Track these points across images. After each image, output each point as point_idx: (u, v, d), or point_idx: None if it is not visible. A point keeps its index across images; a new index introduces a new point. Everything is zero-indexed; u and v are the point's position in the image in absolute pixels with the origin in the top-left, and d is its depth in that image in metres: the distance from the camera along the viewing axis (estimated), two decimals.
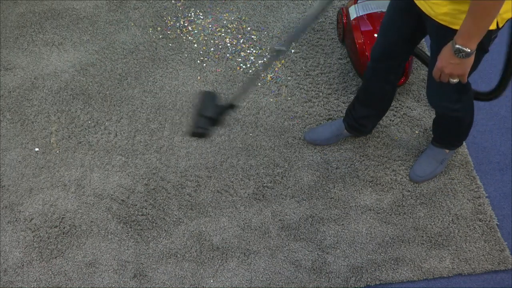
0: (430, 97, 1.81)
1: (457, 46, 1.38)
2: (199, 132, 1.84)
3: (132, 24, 2.64)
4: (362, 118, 2.10)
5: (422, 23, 1.64)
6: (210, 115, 1.82)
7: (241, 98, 2.13)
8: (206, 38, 2.58)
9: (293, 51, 2.51)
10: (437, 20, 1.49)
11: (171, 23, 2.64)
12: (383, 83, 1.96)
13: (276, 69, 2.46)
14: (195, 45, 2.56)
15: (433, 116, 2.29)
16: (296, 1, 2.68)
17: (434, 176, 2.13)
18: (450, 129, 2.02)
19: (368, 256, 1.98)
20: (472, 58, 1.42)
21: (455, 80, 1.48)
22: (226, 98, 2.26)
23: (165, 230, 2.06)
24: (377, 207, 2.09)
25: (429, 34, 1.65)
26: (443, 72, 1.47)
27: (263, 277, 1.96)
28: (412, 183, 2.13)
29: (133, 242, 2.04)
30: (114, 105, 2.38)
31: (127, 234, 2.05)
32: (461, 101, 1.79)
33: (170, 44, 2.56)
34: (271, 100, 2.37)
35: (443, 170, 2.14)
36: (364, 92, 2.05)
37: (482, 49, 1.49)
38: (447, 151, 2.11)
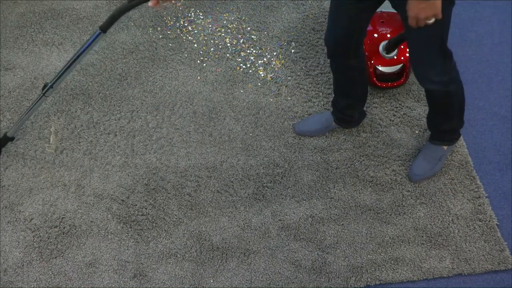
0: (417, 73, 1.83)
1: None
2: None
3: (132, 24, 2.64)
4: (345, 108, 2.14)
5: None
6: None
7: (19, 129, 2.24)
8: (206, 38, 2.58)
9: (293, 51, 2.51)
10: None
11: (171, 23, 2.64)
12: (346, 70, 2.00)
13: (276, 69, 2.46)
14: (195, 45, 2.56)
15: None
16: (296, 1, 2.68)
17: (434, 175, 2.13)
18: (445, 113, 2.01)
19: (368, 256, 1.98)
20: None
21: (432, 21, 1.52)
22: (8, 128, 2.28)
23: (165, 230, 2.06)
24: (377, 207, 2.09)
25: (390, 2, 1.72)
26: (418, 19, 1.52)
27: (263, 277, 1.96)
28: (412, 183, 2.13)
29: (133, 242, 2.04)
30: (114, 105, 2.38)
31: (127, 234, 2.05)
32: (448, 71, 1.81)
33: (170, 44, 2.56)
34: (271, 100, 2.37)
35: (441, 167, 2.14)
36: (335, 83, 2.11)
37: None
38: (445, 147, 2.11)
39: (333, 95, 2.18)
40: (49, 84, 2.03)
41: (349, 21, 1.80)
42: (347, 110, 2.15)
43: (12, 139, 2.20)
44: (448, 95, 1.91)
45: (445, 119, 2.04)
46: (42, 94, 2.05)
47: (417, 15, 1.50)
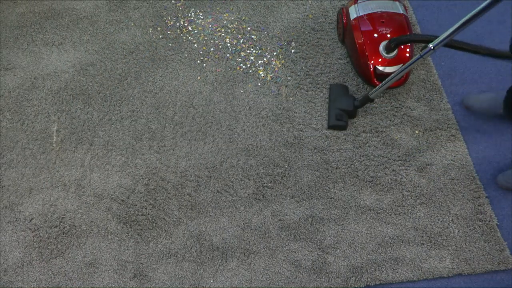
0: None
1: None
2: (339, 125, 1.95)
3: (132, 24, 2.64)
4: None
5: None
6: (348, 108, 1.92)
7: (379, 94, 2.20)
8: (206, 38, 2.58)
9: (293, 51, 2.51)
10: None
11: (171, 23, 2.64)
12: None
13: (276, 69, 2.46)
14: (195, 45, 2.56)
15: (434, 116, 2.29)
16: (296, 1, 2.68)
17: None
18: None
19: (368, 256, 1.98)
20: None
21: None
22: (357, 91, 2.32)
23: (165, 230, 2.06)
24: (377, 207, 2.09)
25: None
26: None
27: (263, 277, 1.96)
28: (412, 183, 2.13)
29: (133, 242, 2.04)
30: (114, 105, 2.38)
31: (127, 234, 2.05)
32: None
33: (170, 44, 2.56)
34: (271, 100, 2.37)
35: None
36: None
37: None
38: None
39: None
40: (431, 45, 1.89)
41: None
42: None
43: (372, 100, 2.16)
44: None
45: None
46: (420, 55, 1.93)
47: None
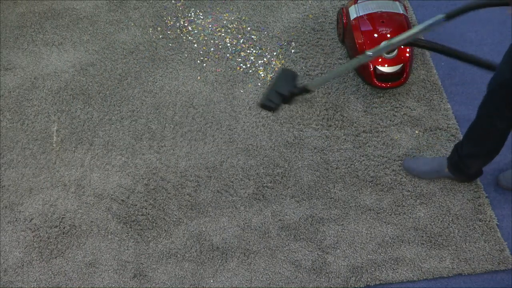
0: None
1: None
2: (267, 106, 1.91)
3: (132, 24, 2.64)
4: (467, 157, 1.96)
5: None
6: (283, 92, 1.89)
7: (319, 85, 2.23)
8: (206, 38, 2.58)
9: (293, 51, 2.51)
10: None
11: (171, 23, 2.64)
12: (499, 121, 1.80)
13: (276, 69, 2.46)
14: (195, 45, 2.56)
15: (434, 116, 2.29)
16: (296, 1, 2.68)
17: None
18: None
19: (368, 256, 1.98)
20: None
21: None
22: (304, 80, 2.32)
23: (165, 230, 2.06)
24: (377, 207, 2.08)
25: None
26: None
27: (263, 277, 1.96)
28: (412, 183, 2.13)
29: (133, 242, 2.04)
30: (114, 105, 2.38)
31: (127, 234, 2.05)
32: None
33: (170, 44, 2.56)
34: None
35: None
36: (474, 128, 1.90)
37: None
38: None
39: (461, 138, 2.00)
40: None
41: None
42: (468, 160, 1.97)
43: (308, 91, 2.07)
44: None
45: None
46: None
47: None
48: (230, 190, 2.14)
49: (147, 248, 2.02)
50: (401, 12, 2.34)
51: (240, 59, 2.50)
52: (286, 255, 1.99)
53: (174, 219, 2.08)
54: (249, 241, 2.03)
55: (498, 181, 2.10)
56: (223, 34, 2.59)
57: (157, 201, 2.12)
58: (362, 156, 2.21)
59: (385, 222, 2.05)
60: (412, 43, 2.14)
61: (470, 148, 1.93)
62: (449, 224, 2.03)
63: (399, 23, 2.30)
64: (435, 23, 1.71)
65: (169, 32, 2.60)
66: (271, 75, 2.44)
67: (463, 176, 2.08)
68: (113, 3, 2.71)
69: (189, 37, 2.58)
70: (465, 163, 2.00)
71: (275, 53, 2.51)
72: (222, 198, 2.12)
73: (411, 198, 2.10)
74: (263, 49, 2.53)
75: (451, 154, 2.04)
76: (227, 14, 2.66)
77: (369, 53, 1.82)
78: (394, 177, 2.15)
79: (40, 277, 1.98)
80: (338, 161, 2.19)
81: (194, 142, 2.27)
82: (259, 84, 2.42)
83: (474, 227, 2.03)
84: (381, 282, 1.93)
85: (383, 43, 1.81)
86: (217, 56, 2.52)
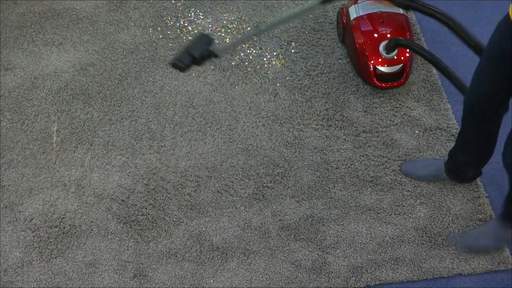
0: (507, 156, 1.67)
1: None
2: (178, 65, 1.98)
3: (132, 24, 2.64)
4: (463, 165, 1.97)
5: None
6: (194, 54, 1.96)
7: (226, 51, 2.34)
8: None
9: (293, 51, 2.51)
10: None
11: (171, 23, 2.64)
12: (483, 131, 1.81)
13: (276, 69, 2.46)
14: None
15: (434, 116, 2.29)
16: (296, 1, 2.69)
17: (485, 252, 1.95)
18: None
19: (368, 256, 1.98)
20: None
21: None
22: (218, 46, 2.40)
23: (165, 230, 2.06)
24: (377, 207, 2.09)
25: None
26: None
27: (263, 277, 1.96)
28: (412, 183, 2.13)
29: (133, 242, 2.04)
30: (114, 105, 2.38)
31: (127, 234, 2.05)
32: None
33: (170, 44, 2.56)
34: (271, 100, 2.37)
35: (497, 249, 1.94)
36: (462, 137, 1.91)
37: None
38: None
39: (453, 145, 1.99)
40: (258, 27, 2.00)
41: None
42: (464, 167, 1.99)
43: (216, 56, 2.12)
44: None
45: None
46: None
47: None
48: (230, 190, 2.14)
49: (147, 248, 2.02)
50: (401, 12, 2.34)
51: (240, 59, 2.50)
52: (286, 255, 1.99)
53: (174, 219, 2.08)
54: (249, 241, 2.03)
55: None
56: (223, 34, 2.59)
57: (157, 201, 2.12)
58: (362, 156, 2.21)
59: (385, 222, 2.05)
60: (410, 46, 2.15)
61: (463, 155, 1.94)
62: (449, 224, 2.03)
63: (399, 23, 2.31)
64: (312, 8, 1.89)
65: (169, 32, 2.60)
66: (271, 75, 2.44)
67: (461, 180, 2.09)
68: (113, 3, 2.71)
69: (189, 37, 2.58)
70: (461, 169, 2.01)
71: (275, 53, 2.52)
72: (222, 198, 2.12)
73: (411, 198, 2.10)
74: (263, 49, 2.53)
75: (447, 161, 2.04)
76: (227, 14, 2.66)
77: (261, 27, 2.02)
78: (394, 177, 2.15)
79: (40, 277, 1.98)
80: (338, 161, 2.19)
81: (194, 142, 2.27)
82: (259, 84, 2.42)
83: (474, 227, 2.03)
84: (381, 282, 1.93)
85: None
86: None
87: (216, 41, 2.41)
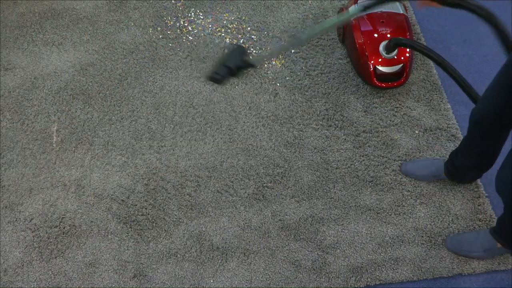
0: (500, 181, 1.67)
1: None
2: (215, 78, 1.97)
3: (132, 24, 2.64)
4: (463, 167, 1.97)
5: None
6: (230, 65, 1.94)
7: (263, 62, 2.27)
8: (206, 38, 2.58)
9: (293, 51, 2.51)
10: None
11: (171, 23, 2.64)
12: (491, 139, 1.80)
13: (276, 69, 2.46)
14: (195, 45, 2.56)
15: (434, 116, 2.29)
16: (296, 1, 2.68)
17: (468, 257, 1.95)
18: None
19: (368, 256, 1.98)
20: None
21: None
22: (253, 57, 2.36)
23: (165, 230, 2.06)
24: (377, 207, 2.09)
25: None
26: None
27: (263, 277, 1.96)
28: (412, 183, 2.13)
29: (133, 242, 2.04)
30: (114, 105, 2.38)
31: (127, 234, 2.05)
32: None
33: (170, 44, 2.56)
34: (271, 100, 2.37)
35: (482, 259, 1.94)
36: (467, 143, 1.90)
37: None
38: (498, 245, 1.87)
39: (455, 146, 1.98)
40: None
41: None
42: (464, 169, 1.99)
43: (253, 66, 2.10)
44: None
45: None
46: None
47: None
48: (230, 190, 2.14)
49: (147, 248, 2.02)
50: (401, 12, 2.34)
51: None
52: (286, 255, 1.99)
53: (174, 219, 2.08)
54: (249, 241, 2.03)
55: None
56: (223, 34, 2.59)
57: (157, 201, 2.12)
58: (362, 156, 2.21)
59: (385, 222, 2.05)
60: (412, 45, 2.15)
61: (464, 159, 1.94)
62: (449, 224, 2.03)
63: (399, 23, 2.30)
64: (352, 15, 1.83)
65: (169, 32, 2.60)
66: (271, 75, 2.44)
67: (460, 181, 2.10)
68: (113, 3, 2.71)
69: (189, 37, 2.58)
70: (460, 172, 2.02)
71: None
72: (222, 198, 2.12)
73: (411, 198, 2.10)
74: (263, 49, 2.53)
75: (447, 163, 2.03)
76: (227, 14, 2.66)
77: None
78: (394, 177, 2.15)
79: (40, 277, 1.98)
80: (338, 161, 2.19)
81: (194, 142, 2.27)
82: (259, 84, 2.42)
83: (474, 227, 2.03)
84: (381, 282, 1.93)
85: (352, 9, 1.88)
86: (217, 56, 2.52)
87: (247, 49, 2.39)
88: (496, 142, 1.81)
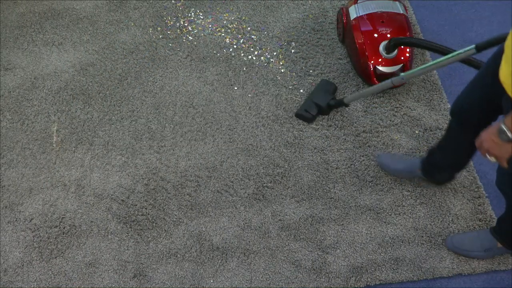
0: (499, 183, 1.69)
1: (502, 126, 1.28)
2: (303, 115, 1.92)
3: (132, 24, 2.64)
4: (439, 165, 1.98)
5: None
6: (320, 103, 1.90)
7: (355, 100, 2.19)
8: (206, 38, 2.58)
9: (293, 51, 2.51)
10: None
11: (171, 23, 2.64)
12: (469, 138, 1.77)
13: (277, 68, 2.46)
14: (195, 45, 2.56)
15: (434, 116, 2.29)
16: (296, 1, 2.69)
17: (468, 257, 1.95)
18: None
19: (368, 256, 1.98)
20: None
21: (492, 159, 1.36)
22: (342, 93, 2.31)
23: (165, 230, 2.06)
24: (377, 207, 2.09)
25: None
26: (481, 146, 1.36)
27: (263, 277, 1.96)
28: (412, 183, 2.13)
29: (133, 242, 2.04)
30: (114, 105, 2.38)
31: (127, 234, 2.05)
32: None
33: (170, 44, 2.56)
34: (272, 100, 2.37)
35: (482, 259, 1.95)
36: (446, 139, 1.90)
37: None
38: (499, 245, 1.88)
39: (434, 145, 1.98)
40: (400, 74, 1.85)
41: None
42: (438, 167, 2.00)
43: (346, 105, 2.06)
44: None
45: None
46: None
47: (483, 142, 1.35)
48: (230, 190, 2.14)
49: (147, 248, 2.02)
50: (401, 12, 2.34)
51: (240, 59, 2.50)
52: (286, 255, 1.99)
53: (174, 219, 2.08)
54: (249, 241, 2.03)
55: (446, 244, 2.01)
56: (223, 34, 2.59)
57: (157, 201, 2.12)
58: (362, 156, 2.21)
59: (385, 222, 2.05)
60: (410, 42, 2.15)
61: (439, 156, 1.93)
62: (449, 224, 2.03)
63: (399, 23, 2.31)
64: (466, 53, 1.69)
65: (169, 32, 2.60)
66: (272, 75, 2.44)
67: (433, 179, 2.08)
68: (113, 3, 2.71)
69: (189, 37, 2.58)
70: (435, 170, 2.02)
71: (275, 53, 2.52)
72: (222, 198, 2.12)
73: (411, 198, 2.10)
74: (263, 49, 2.53)
75: (424, 159, 2.02)
76: (227, 14, 2.66)
77: (402, 74, 1.85)
78: (394, 177, 2.15)
79: (40, 277, 1.98)
80: (338, 161, 2.19)
81: (194, 142, 2.27)
82: (259, 84, 2.42)
83: (474, 227, 2.03)
84: (381, 282, 1.93)
85: (418, 68, 1.82)
86: (217, 56, 2.52)
87: (337, 86, 2.32)
88: (472, 138, 1.80)
